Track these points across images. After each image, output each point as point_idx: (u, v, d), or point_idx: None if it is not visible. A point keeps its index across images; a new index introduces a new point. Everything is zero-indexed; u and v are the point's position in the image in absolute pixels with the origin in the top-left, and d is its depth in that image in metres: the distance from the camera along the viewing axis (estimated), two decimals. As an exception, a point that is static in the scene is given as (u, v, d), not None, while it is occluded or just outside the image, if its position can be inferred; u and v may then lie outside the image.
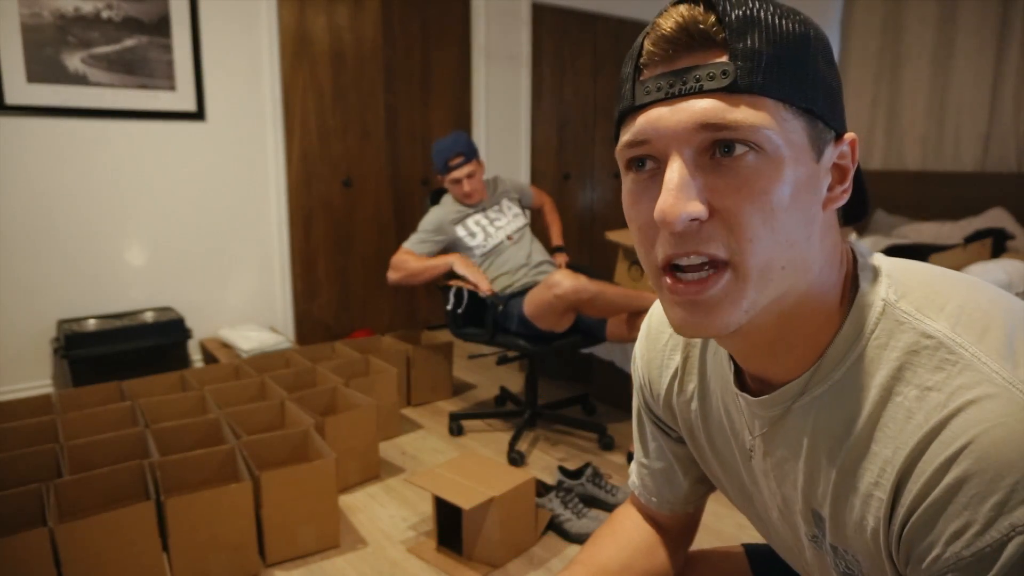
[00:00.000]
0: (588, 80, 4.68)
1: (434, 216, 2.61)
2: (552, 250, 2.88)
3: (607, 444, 2.48)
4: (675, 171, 0.50)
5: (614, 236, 3.00)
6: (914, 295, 0.55)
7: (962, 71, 3.93)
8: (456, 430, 2.62)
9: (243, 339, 2.98)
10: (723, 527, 1.95)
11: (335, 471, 1.83)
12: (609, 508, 2.06)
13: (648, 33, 0.53)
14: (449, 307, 2.52)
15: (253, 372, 2.47)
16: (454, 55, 4.01)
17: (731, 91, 0.49)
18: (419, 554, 1.82)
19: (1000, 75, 3.81)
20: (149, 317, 2.97)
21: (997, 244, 3.29)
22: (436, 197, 2.77)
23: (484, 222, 2.61)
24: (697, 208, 0.50)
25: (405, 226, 3.88)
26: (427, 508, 2.05)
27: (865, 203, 0.62)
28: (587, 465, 2.13)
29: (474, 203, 2.63)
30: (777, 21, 0.51)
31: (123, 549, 1.54)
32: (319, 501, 1.81)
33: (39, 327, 2.88)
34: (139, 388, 2.34)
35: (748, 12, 0.50)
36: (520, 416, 2.62)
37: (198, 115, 3.12)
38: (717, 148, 0.50)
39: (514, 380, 3.24)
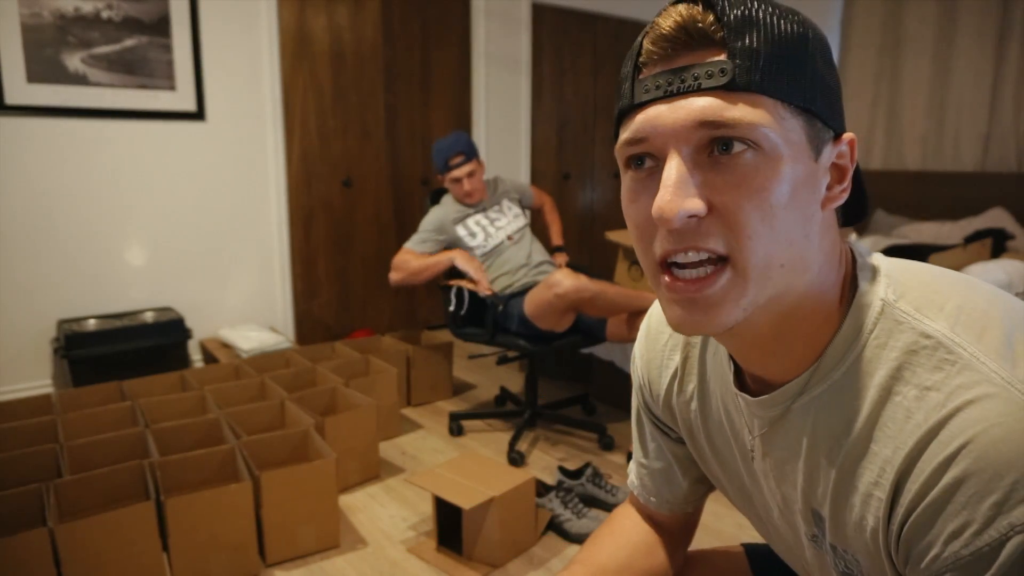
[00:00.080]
0: (588, 80, 4.69)
1: (435, 216, 2.61)
2: (552, 250, 2.88)
3: (607, 444, 2.48)
4: (673, 168, 0.51)
5: (614, 236, 3.00)
6: (913, 295, 0.55)
7: (962, 71, 3.93)
8: (456, 430, 2.62)
9: (243, 339, 2.98)
10: (723, 527, 1.95)
11: (335, 471, 1.83)
12: (609, 508, 2.06)
13: (647, 32, 0.53)
14: (451, 308, 2.52)
15: (253, 372, 2.48)
16: (454, 55, 4.01)
17: (729, 89, 0.50)
18: (419, 554, 1.82)
19: (1000, 75, 3.81)
20: (149, 317, 2.97)
21: (997, 244, 3.30)
22: (436, 197, 2.77)
23: (484, 222, 2.61)
24: (695, 205, 0.50)
25: (405, 226, 3.89)
26: (427, 508, 2.05)
27: (864, 204, 0.63)
28: (587, 465, 2.13)
29: (474, 203, 2.63)
30: (775, 21, 0.51)
31: (123, 549, 1.54)
32: (319, 501, 1.81)
33: (39, 327, 2.88)
34: (139, 388, 2.34)
35: (747, 12, 0.50)
36: (520, 416, 2.63)
37: (198, 115, 3.12)
38: (715, 146, 0.51)
39: (514, 380, 3.24)
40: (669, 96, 0.51)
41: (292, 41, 3.39)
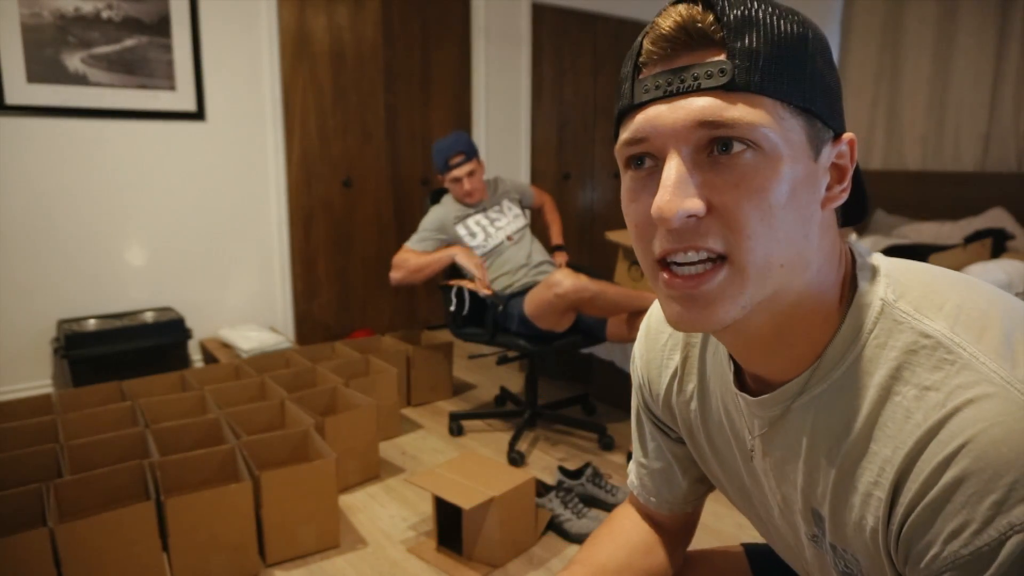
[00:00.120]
0: (588, 80, 4.69)
1: (435, 215, 2.61)
2: (552, 249, 2.88)
3: (607, 444, 2.48)
4: (673, 168, 0.51)
5: (614, 236, 3.00)
6: (912, 295, 0.55)
7: (962, 71, 3.93)
8: (456, 430, 2.62)
9: (243, 339, 2.98)
10: (723, 527, 1.95)
11: (335, 471, 1.83)
12: (609, 508, 2.06)
13: (647, 32, 0.53)
14: (451, 308, 2.52)
15: (253, 372, 2.48)
16: (454, 55, 4.01)
17: (729, 89, 0.50)
18: (419, 554, 1.82)
19: (1000, 75, 3.81)
20: (149, 317, 2.97)
21: (997, 244, 3.30)
22: (436, 197, 2.77)
23: (484, 222, 2.61)
24: (695, 204, 0.50)
25: (405, 226, 3.89)
26: (427, 508, 2.05)
27: (865, 204, 0.63)
28: (587, 465, 2.13)
29: (474, 202, 2.63)
30: (775, 21, 0.51)
31: (123, 549, 1.54)
32: (319, 501, 1.81)
33: (39, 327, 2.88)
34: (139, 388, 2.34)
35: (746, 12, 0.50)
36: (520, 416, 2.63)
37: (198, 115, 3.12)
38: (715, 146, 0.51)
39: (514, 380, 3.24)
40: (669, 96, 0.51)
41: (292, 41, 3.39)
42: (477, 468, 1.88)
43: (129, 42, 2.92)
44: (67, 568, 1.49)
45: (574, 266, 2.72)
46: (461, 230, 2.59)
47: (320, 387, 2.35)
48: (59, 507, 1.64)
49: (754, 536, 1.68)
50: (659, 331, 0.78)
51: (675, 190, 0.50)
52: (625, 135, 0.54)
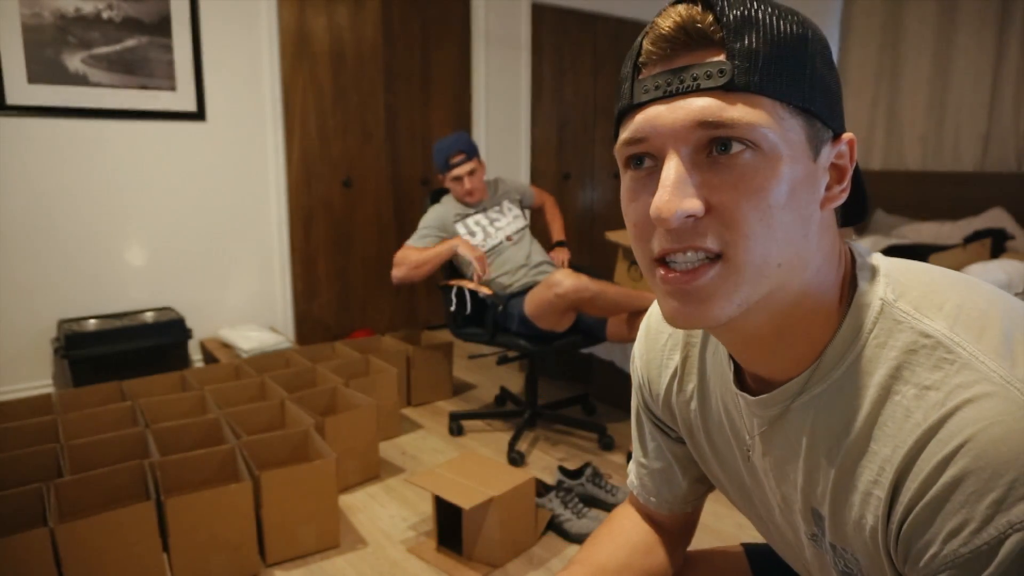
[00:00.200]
0: (588, 80, 4.69)
1: (435, 213, 2.61)
2: (553, 245, 2.87)
3: (607, 444, 2.48)
4: (672, 168, 0.51)
5: (614, 236, 3.00)
6: (912, 294, 0.55)
7: (962, 71, 3.93)
8: (456, 430, 2.62)
9: (243, 339, 2.98)
10: (723, 527, 1.95)
11: (335, 471, 1.83)
12: (609, 508, 2.06)
13: (647, 32, 0.54)
14: (452, 308, 2.52)
15: (253, 372, 2.48)
16: (454, 55, 4.01)
17: (728, 90, 0.50)
18: (419, 554, 1.82)
19: (1000, 75, 3.81)
20: (149, 317, 2.97)
21: (997, 244, 3.30)
22: (436, 197, 2.77)
23: (484, 222, 2.61)
24: (694, 205, 0.50)
25: (405, 226, 3.89)
26: (427, 508, 2.05)
27: (864, 204, 0.63)
28: (587, 465, 2.13)
29: (475, 202, 2.63)
30: (775, 21, 0.51)
31: (123, 549, 1.54)
32: (319, 501, 1.81)
33: (39, 327, 2.88)
34: (139, 388, 2.34)
35: (746, 12, 0.50)
36: (520, 416, 2.63)
37: (198, 115, 3.12)
38: (714, 146, 0.51)
39: (514, 380, 3.24)
40: (668, 96, 0.51)
41: (292, 41, 3.39)
42: (477, 468, 1.88)
43: (129, 42, 2.92)
44: (67, 568, 1.49)
45: (574, 266, 2.72)
46: (461, 229, 2.59)
47: (320, 387, 2.35)
48: (59, 507, 1.64)
49: (754, 536, 1.68)
50: (659, 331, 0.78)
51: (674, 190, 0.50)
52: (625, 135, 0.54)
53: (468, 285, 2.51)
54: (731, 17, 0.50)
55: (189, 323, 3.12)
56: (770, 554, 0.83)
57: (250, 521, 1.70)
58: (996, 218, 3.54)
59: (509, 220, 2.66)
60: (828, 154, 0.55)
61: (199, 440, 1.99)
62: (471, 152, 2.57)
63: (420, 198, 3.94)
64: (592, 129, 4.79)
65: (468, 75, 4.09)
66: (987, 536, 0.46)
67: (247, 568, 1.71)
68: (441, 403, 2.96)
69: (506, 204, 2.71)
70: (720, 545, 0.94)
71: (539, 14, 4.30)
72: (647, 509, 0.86)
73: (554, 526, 1.93)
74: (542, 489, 2.02)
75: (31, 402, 2.18)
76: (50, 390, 2.93)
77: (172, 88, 3.04)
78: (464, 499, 1.71)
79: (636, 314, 2.30)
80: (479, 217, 2.62)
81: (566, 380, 3.22)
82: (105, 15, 2.86)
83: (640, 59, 0.54)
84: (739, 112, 0.49)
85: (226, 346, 3.07)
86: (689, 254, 0.52)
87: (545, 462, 2.37)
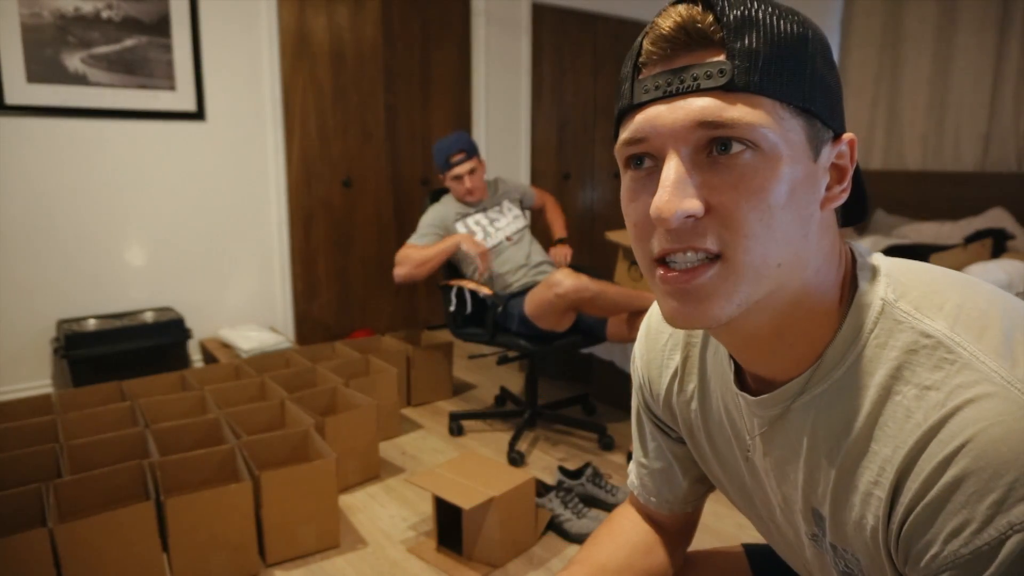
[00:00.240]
0: (588, 80, 4.69)
1: (435, 212, 2.61)
2: (555, 242, 2.86)
3: (607, 444, 2.48)
4: (672, 168, 0.51)
5: (614, 236, 3.00)
6: (913, 294, 0.55)
7: (962, 71, 3.93)
8: (456, 430, 2.62)
9: (243, 339, 2.98)
10: (723, 527, 1.95)
11: (335, 471, 1.83)
12: (609, 508, 2.06)
13: (647, 33, 0.54)
14: (452, 308, 2.52)
15: (253, 372, 2.48)
16: (454, 55, 4.01)
17: (728, 90, 0.50)
18: (419, 554, 1.82)
19: (1000, 75, 3.81)
20: (149, 317, 2.97)
21: (997, 244, 3.30)
22: (436, 197, 2.77)
23: (484, 222, 2.61)
24: (693, 205, 0.50)
25: (405, 226, 3.89)
26: (427, 508, 2.05)
27: (865, 204, 0.63)
28: (587, 465, 2.13)
29: (475, 201, 2.63)
30: (775, 21, 0.51)
31: (123, 549, 1.54)
32: (319, 501, 1.81)
33: (39, 327, 2.88)
34: (139, 388, 2.34)
35: (746, 12, 0.50)
36: (520, 416, 2.63)
37: (198, 115, 3.12)
38: (714, 146, 0.51)
39: (514, 380, 3.24)
40: (668, 96, 0.51)
41: (292, 41, 3.39)
42: (477, 468, 1.88)
43: (129, 42, 2.92)
44: (67, 568, 1.49)
45: (574, 266, 2.72)
46: (461, 228, 2.59)
47: (320, 387, 2.35)
48: (59, 507, 1.64)
49: (754, 536, 1.68)
50: (659, 331, 0.78)
51: (674, 190, 0.50)
52: (625, 135, 0.54)
53: (468, 285, 2.51)
54: (731, 17, 0.50)
55: (189, 323, 3.12)
56: (770, 554, 0.83)
57: (250, 521, 1.70)
58: (996, 218, 3.55)
59: (509, 220, 2.66)
60: (828, 154, 0.55)
61: (199, 440, 1.99)
62: (471, 151, 2.58)
63: (420, 198, 3.94)
64: (592, 129, 4.79)
65: (468, 75, 4.09)
66: (988, 537, 0.46)
67: (247, 568, 1.71)
68: (441, 403, 2.96)
69: (506, 204, 2.71)
70: (720, 545, 0.94)
71: (539, 14, 4.30)
72: (647, 509, 0.86)
73: (554, 526, 1.93)
74: (542, 489, 2.02)
75: (31, 402, 2.18)
76: (50, 390, 2.93)
77: (172, 88, 3.04)
78: (464, 499, 1.71)
79: (636, 314, 2.30)
80: (479, 217, 2.62)
81: (566, 380, 3.21)
82: (105, 15, 2.86)
83: (640, 59, 0.54)
84: (739, 112, 0.49)
85: (226, 346, 3.07)
86: (689, 254, 0.52)
87: (545, 462, 2.37)
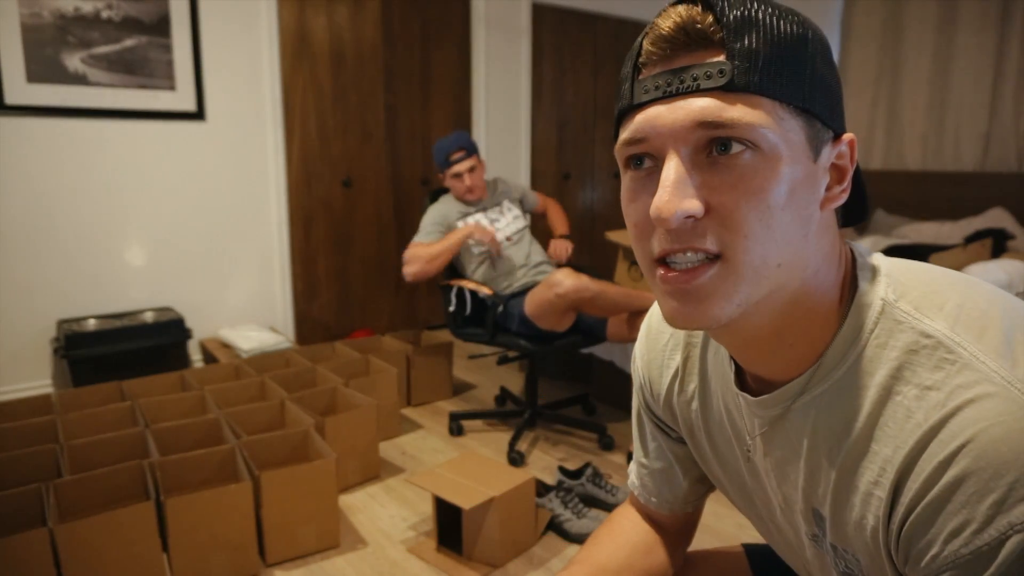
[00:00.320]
0: (588, 80, 4.69)
1: (437, 210, 2.60)
2: (557, 236, 2.83)
3: (607, 444, 2.48)
4: (672, 169, 0.51)
5: (614, 236, 3.00)
6: (913, 295, 0.55)
7: (962, 71, 3.93)
8: (456, 430, 2.62)
9: (243, 339, 2.98)
10: (723, 527, 1.95)
11: (335, 471, 1.83)
12: (609, 508, 2.06)
13: (647, 33, 0.54)
14: (452, 308, 2.52)
15: (253, 372, 2.48)
16: (454, 55, 4.01)
17: (728, 90, 0.50)
18: (419, 554, 1.82)
19: (1000, 75, 3.81)
20: (149, 317, 2.97)
21: (997, 244, 3.30)
22: (436, 197, 2.76)
23: (484, 222, 2.61)
24: (693, 205, 0.50)
25: (405, 226, 3.89)
26: (427, 508, 2.05)
27: (865, 204, 0.63)
28: (587, 465, 2.13)
29: (475, 200, 2.63)
30: (775, 21, 0.51)
31: (123, 549, 1.54)
32: (319, 501, 1.81)
33: (39, 327, 2.88)
34: (139, 388, 2.34)
35: (746, 12, 0.50)
36: (520, 416, 2.63)
37: (198, 115, 3.12)
38: (714, 146, 0.51)
39: (514, 380, 3.24)
40: (668, 97, 0.51)
41: (292, 41, 3.39)
42: (477, 468, 1.88)
43: (129, 42, 2.92)
44: (67, 568, 1.49)
45: (574, 266, 2.72)
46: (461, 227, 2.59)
47: (320, 387, 2.35)
48: (59, 507, 1.64)
49: (754, 536, 1.68)
50: (660, 331, 0.78)
51: (674, 190, 0.50)
52: (625, 135, 0.54)
53: (468, 285, 2.51)
54: (731, 17, 0.50)
55: (189, 323, 3.12)
56: (770, 554, 0.83)
57: (250, 521, 1.70)
58: (996, 218, 3.54)
59: (509, 220, 2.66)
60: (828, 154, 0.55)
61: (199, 440, 1.99)
62: (471, 149, 2.58)
63: (420, 198, 3.94)
64: (592, 129, 4.79)
65: (468, 75, 4.09)
66: (988, 537, 0.46)
67: (247, 568, 1.71)
68: (441, 403, 2.96)
69: (506, 204, 2.71)
70: (720, 545, 0.94)
71: (539, 14, 4.30)
72: (648, 509, 0.86)
73: (554, 526, 1.93)
74: (542, 489, 2.02)
75: (31, 402, 2.18)
76: (50, 390, 2.93)
77: (172, 88, 3.04)
78: (464, 499, 1.71)
79: (636, 314, 2.30)
80: (479, 216, 2.62)
81: (566, 380, 3.21)
82: (104, 15, 2.86)
83: (640, 59, 0.54)
84: (739, 112, 0.49)
85: (226, 346, 3.07)
86: (689, 254, 0.52)
87: (545, 462, 2.37)
